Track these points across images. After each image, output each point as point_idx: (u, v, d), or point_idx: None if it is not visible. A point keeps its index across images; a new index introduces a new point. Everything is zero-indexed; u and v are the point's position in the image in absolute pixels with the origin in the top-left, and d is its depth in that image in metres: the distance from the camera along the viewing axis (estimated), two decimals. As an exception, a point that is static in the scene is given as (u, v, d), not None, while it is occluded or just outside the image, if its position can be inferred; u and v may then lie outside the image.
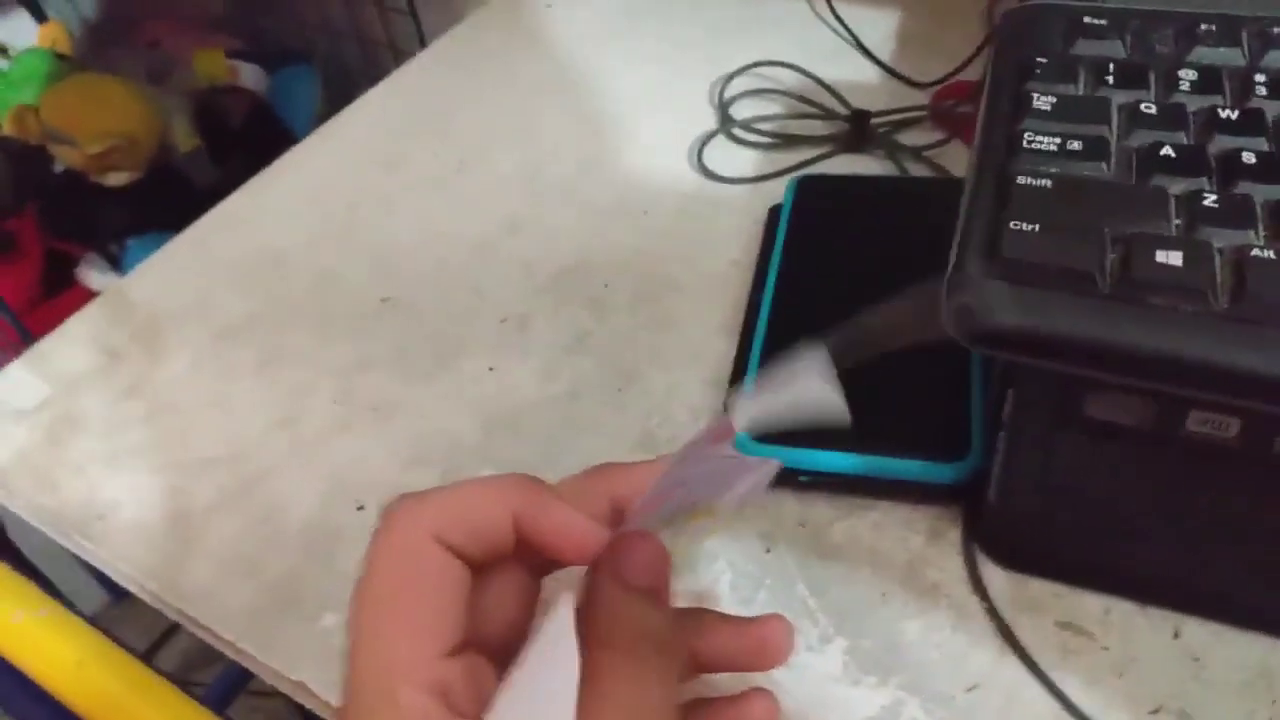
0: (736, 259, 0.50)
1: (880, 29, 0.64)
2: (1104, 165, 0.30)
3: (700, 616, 0.28)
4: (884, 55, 0.61)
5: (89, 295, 0.55)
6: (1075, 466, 0.32)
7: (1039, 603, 0.35)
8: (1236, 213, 0.28)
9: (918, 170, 0.53)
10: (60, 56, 0.95)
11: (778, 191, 0.51)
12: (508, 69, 0.66)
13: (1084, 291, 0.27)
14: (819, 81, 0.59)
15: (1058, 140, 0.31)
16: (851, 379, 0.40)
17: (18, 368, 0.50)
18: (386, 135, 0.62)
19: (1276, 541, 0.31)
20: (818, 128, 0.57)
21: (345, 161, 0.61)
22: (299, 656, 0.37)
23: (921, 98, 0.57)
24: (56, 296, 0.96)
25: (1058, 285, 0.27)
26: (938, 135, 0.54)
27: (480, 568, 0.25)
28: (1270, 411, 0.27)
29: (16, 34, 0.98)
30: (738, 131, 0.58)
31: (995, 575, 0.36)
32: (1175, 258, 0.27)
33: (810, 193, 0.49)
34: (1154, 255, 0.27)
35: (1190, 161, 0.30)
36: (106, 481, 0.44)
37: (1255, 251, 0.27)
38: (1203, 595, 0.34)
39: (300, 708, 0.37)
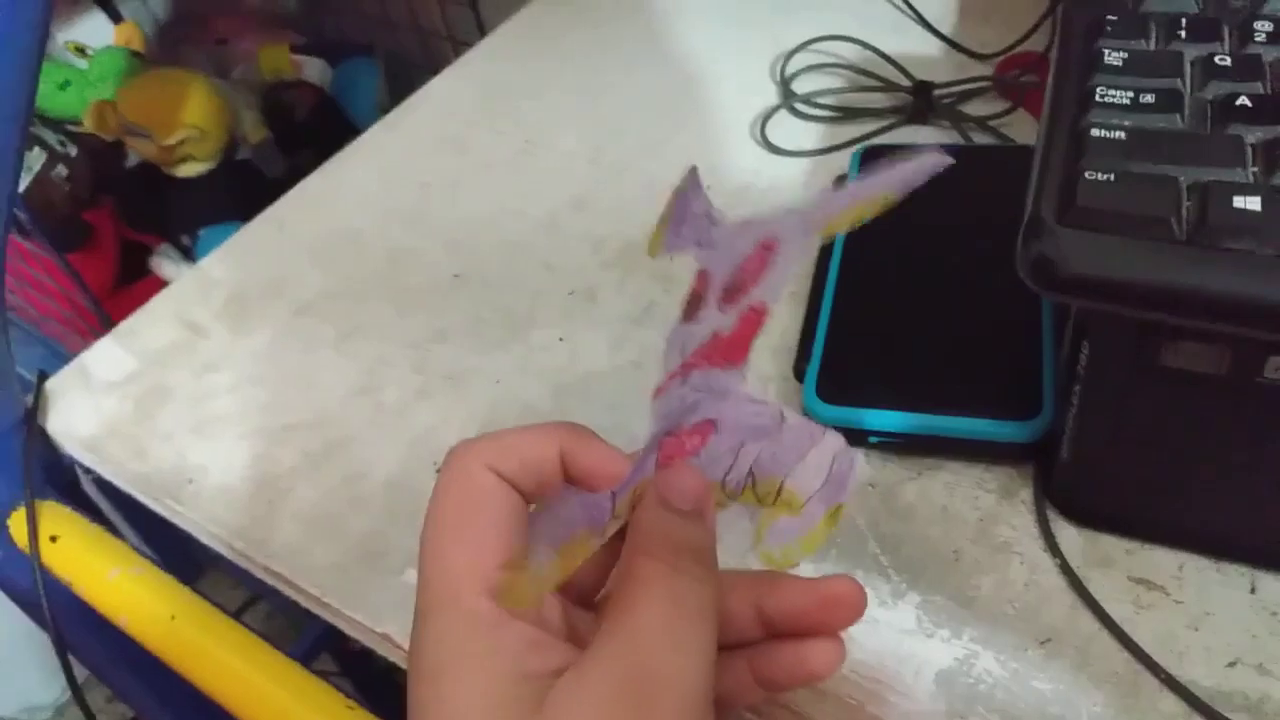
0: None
1: (941, 1, 0.64)
2: (1178, 117, 0.31)
3: (769, 578, 0.28)
4: (945, 27, 0.61)
5: (163, 284, 0.57)
6: (1150, 419, 0.32)
7: (1111, 559, 0.35)
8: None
9: (983, 140, 0.53)
10: (135, 54, 0.98)
11: (842, 164, 0.52)
12: (568, 53, 0.68)
13: (1160, 238, 0.27)
14: (881, 54, 0.60)
15: (1131, 94, 0.31)
16: (922, 337, 0.41)
17: (107, 343, 0.52)
18: (452, 120, 0.64)
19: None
20: (881, 100, 0.57)
21: (414, 146, 0.62)
22: (383, 609, 0.38)
23: (984, 69, 0.57)
24: (132, 285, 0.99)
25: (1134, 233, 0.28)
26: (1002, 105, 0.54)
27: (532, 497, 0.27)
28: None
29: (94, 34, 1.01)
30: (800, 106, 0.58)
31: (1067, 532, 0.36)
32: (1253, 203, 0.27)
33: (876, 163, 0.50)
34: (1231, 201, 0.27)
35: (1266, 110, 0.30)
36: (194, 448, 0.46)
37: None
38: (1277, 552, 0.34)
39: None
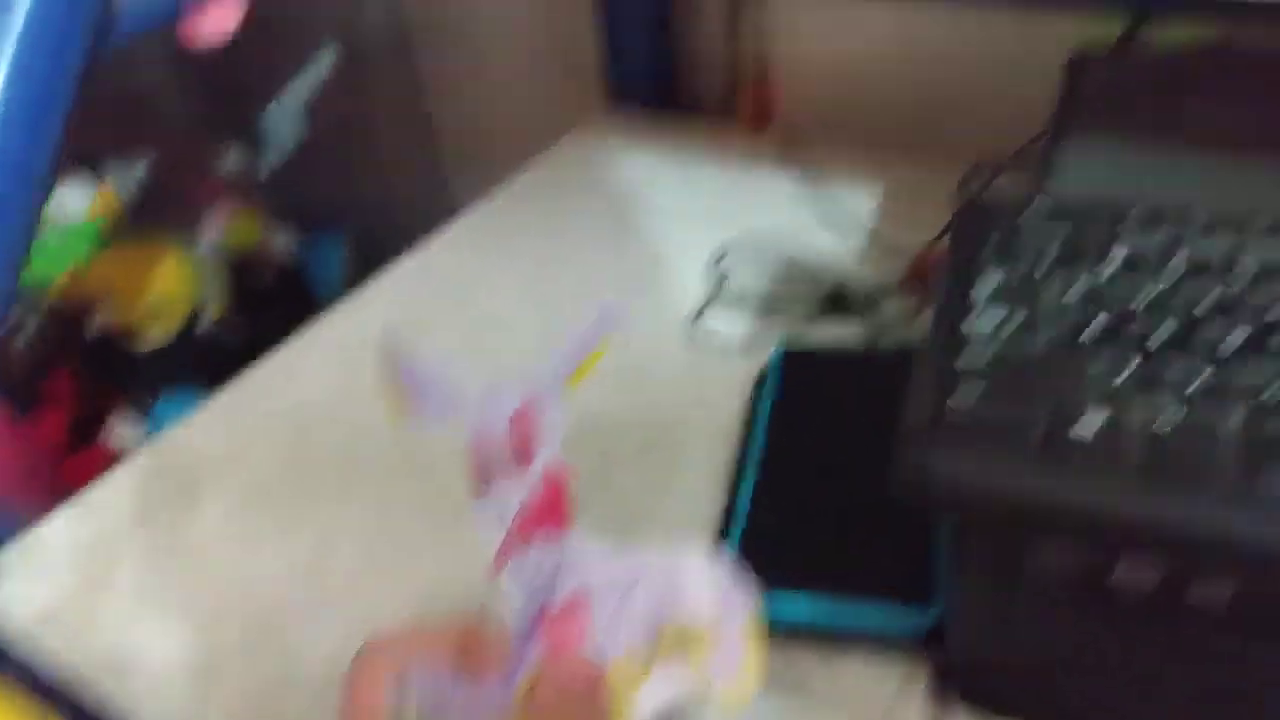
0: (729, 420, 0.54)
1: (863, 203, 0.70)
2: (1041, 338, 0.35)
3: None
4: (865, 228, 0.67)
5: (118, 451, 0.59)
6: (1023, 616, 0.35)
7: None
8: (1152, 383, 0.32)
9: (895, 337, 0.58)
10: (108, 220, 1.02)
11: (767, 357, 0.56)
12: (523, 243, 0.73)
13: (1020, 452, 0.31)
14: (804, 255, 0.65)
15: (1001, 315, 0.35)
16: (832, 526, 0.44)
17: (55, 518, 0.54)
18: (413, 304, 0.68)
19: (1194, 690, 0.34)
20: (804, 297, 0.62)
21: (373, 328, 0.66)
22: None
23: (898, 269, 0.63)
24: (86, 449, 1.00)
25: (997, 447, 0.31)
26: (913, 304, 0.59)
27: (433, 694, 0.29)
28: (1185, 560, 0.30)
29: (72, 195, 1.05)
30: (730, 300, 0.63)
31: (963, 715, 0.39)
32: (1098, 422, 0.31)
33: (794, 360, 0.54)
34: (1079, 420, 0.31)
35: (1114, 336, 0.34)
36: (135, 631, 0.47)
37: (1167, 419, 0.31)
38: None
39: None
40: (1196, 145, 0.51)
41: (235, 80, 1.21)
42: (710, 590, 0.29)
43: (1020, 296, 0.36)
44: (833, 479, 0.46)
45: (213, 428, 0.59)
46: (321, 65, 1.14)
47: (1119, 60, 0.64)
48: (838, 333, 0.59)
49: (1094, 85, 0.59)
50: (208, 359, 0.94)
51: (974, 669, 0.38)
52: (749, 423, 0.52)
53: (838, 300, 0.60)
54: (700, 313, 0.62)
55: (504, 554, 0.28)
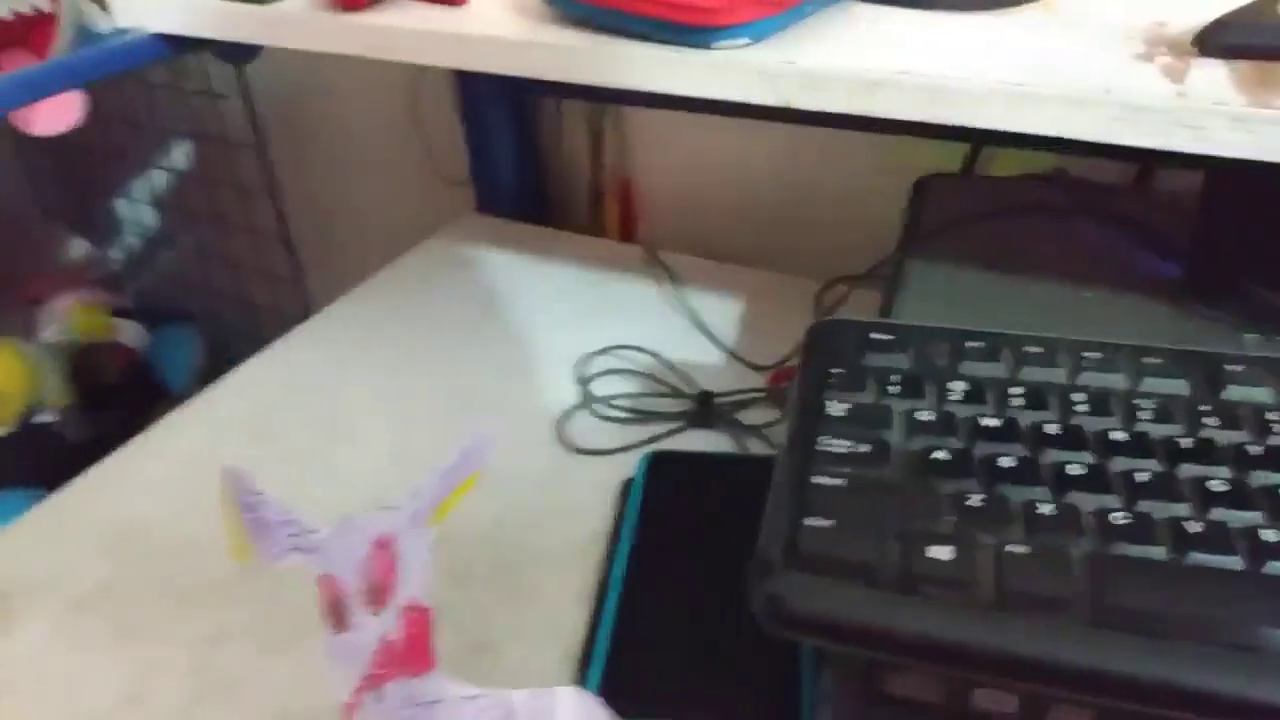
0: (595, 529, 0.53)
1: (726, 313, 0.71)
2: (888, 467, 0.35)
3: None
4: (728, 339, 0.68)
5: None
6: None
7: None
8: (998, 512, 0.33)
9: (758, 446, 0.58)
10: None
11: (632, 464, 0.55)
12: (382, 344, 0.71)
13: (870, 582, 0.31)
14: (669, 364, 0.66)
15: (848, 444, 0.36)
16: (695, 655, 0.43)
17: None
18: (261, 407, 0.65)
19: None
20: (669, 405, 0.62)
21: (218, 432, 0.63)
22: None
23: (760, 379, 0.64)
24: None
25: (848, 576, 0.31)
26: (774, 414, 0.60)
27: None
28: (1042, 688, 0.31)
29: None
30: (596, 407, 0.62)
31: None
32: (946, 552, 0.32)
33: (660, 468, 0.54)
34: (927, 550, 0.32)
35: (959, 465, 0.35)
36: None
37: (1014, 547, 0.32)
38: None
39: None
40: (1033, 270, 0.54)
41: (82, 171, 1.17)
42: None
43: (867, 426, 0.37)
44: (699, 600, 0.46)
45: (36, 538, 0.55)
46: (174, 159, 1.11)
47: (961, 184, 0.68)
48: (704, 441, 0.59)
49: (938, 208, 0.62)
50: (47, 455, 0.88)
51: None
52: (615, 534, 0.51)
53: (704, 409, 0.60)
54: (565, 420, 0.62)
55: (359, 696, 0.27)
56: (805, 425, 0.37)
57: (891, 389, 0.39)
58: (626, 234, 0.89)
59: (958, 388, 0.39)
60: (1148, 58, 0.42)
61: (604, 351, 0.67)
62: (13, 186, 1.18)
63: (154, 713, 0.44)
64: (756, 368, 0.65)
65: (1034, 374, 0.39)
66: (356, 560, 0.27)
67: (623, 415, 0.62)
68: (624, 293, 0.75)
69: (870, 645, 0.31)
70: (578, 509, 0.55)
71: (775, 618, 0.31)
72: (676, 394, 0.63)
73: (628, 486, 0.54)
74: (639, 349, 0.67)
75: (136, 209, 1.17)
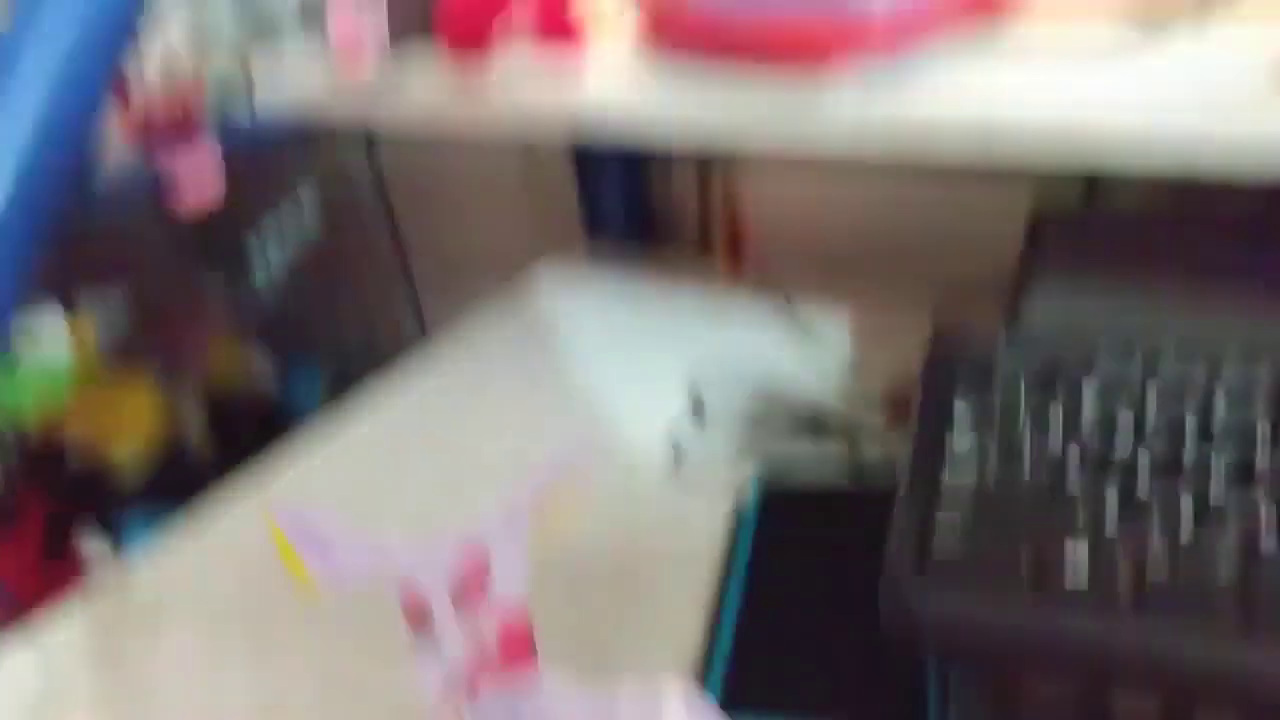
0: (707, 552, 0.53)
1: (836, 338, 0.71)
2: (1020, 470, 0.35)
3: None
4: (841, 360, 0.68)
5: (85, 566, 0.57)
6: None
7: None
8: (1135, 514, 0.32)
9: (875, 462, 0.57)
10: (84, 358, 1.02)
11: (746, 482, 0.55)
12: (498, 369, 0.73)
13: (1008, 592, 0.30)
14: (781, 380, 0.65)
15: (978, 448, 0.35)
16: (808, 672, 0.43)
17: (16, 651, 0.51)
18: (386, 432, 0.67)
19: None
20: (781, 420, 0.62)
21: (348, 464, 0.65)
22: None
23: (874, 398, 0.63)
24: (53, 563, 0.97)
25: (985, 588, 0.31)
26: (893, 432, 0.59)
27: None
28: (1184, 696, 0.29)
29: (49, 334, 1.05)
30: (709, 423, 0.62)
31: None
32: (1082, 554, 0.31)
33: (773, 496, 0.54)
34: (1064, 553, 0.31)
35: (1097, 472, 0.34)
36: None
37: (1153, 548, 0.30)
38: None
39: None
40: (1153, 301, 0.52)
41: (216, 215, 1.24)
42: None
43: (996, 435, 0.36)
44: (818, 615, 0.45)
45: (178, 556, 0.57)
46: (304, 203, 1.16)
47: (1079, 220, 0.66)
48: (817, 455, 0.58)
49: (1056, 242, 0.60)
50: (184, 491, 0.93)
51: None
52: (729, 555, 0.51)
53: (816, 425, 0.60)
54: (677, 439, 0.62)
55: (454, 700, 0.27)
56: (931, 439, 0.37)
57: (1020, 399, 0.38)
58: (731, 264, 0.89)
59: (1090, 390, 0.37)
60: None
61: (715, 369, 0.67)
62: (151, 226, 1.26)
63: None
64: (869, 393, 0.64)
65: (1172, 371, 0.38)
66: (441, 566, 0.27)
67: (735, 433, 0.62)
68: (735, 317, 0.76)
69: (1008, 657, 0.30)
70: (690, 530, 0.54)
71: (909, 632, 0.31)
72: (790, 410, 0.62)
73: (741, 512, 0.54)
74: (750, 366, 0.67)
75: (269, 248, 1.23)
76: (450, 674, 0.27)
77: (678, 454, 0.61)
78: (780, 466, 0.58)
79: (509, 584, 0.27)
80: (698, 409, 0.64)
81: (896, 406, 0.61)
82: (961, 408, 0.37)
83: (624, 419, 0.65)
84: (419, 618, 0.27)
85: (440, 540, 0.27)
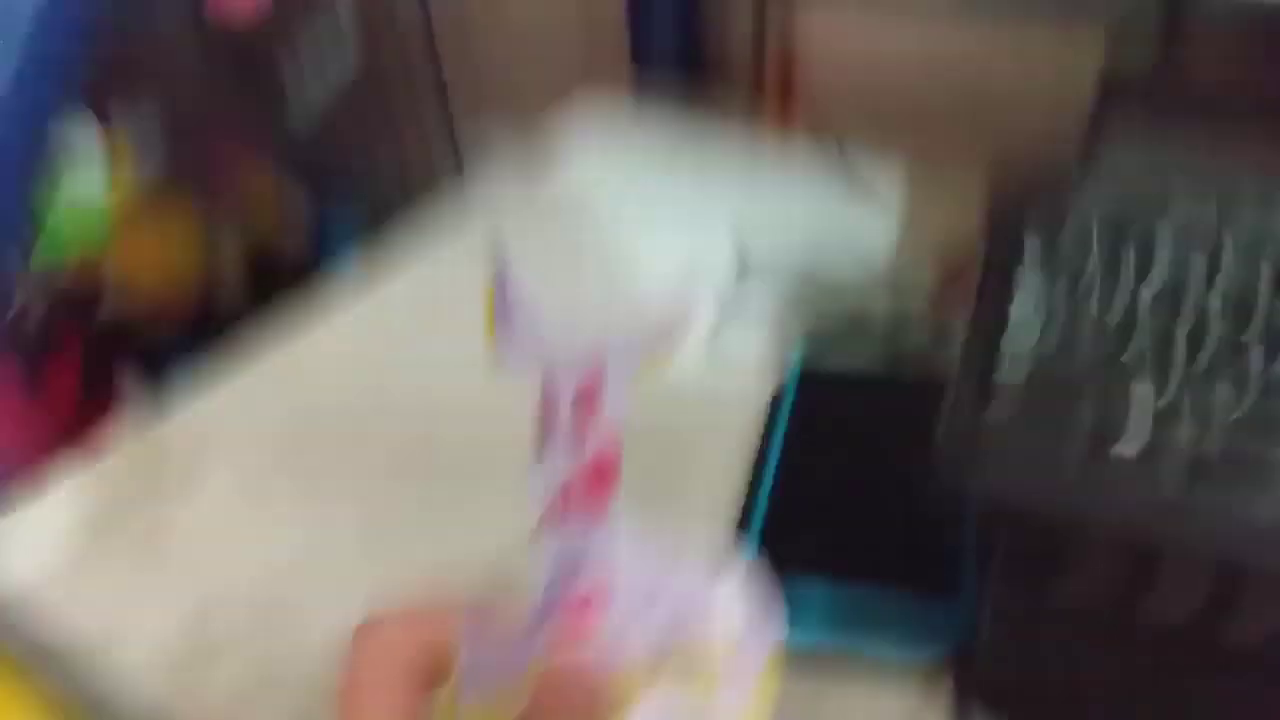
0: (743, 428, 0.52)
1: (894, 186, 0.68)
2: (1080, 351, 0.33)
3: None
4: (892, 254, 0.65)
5: (125, 421, 0.58)
6: (1050, 637, 0.33)
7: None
8: (1202, 371, 0.30)
9: (915, 359, 0.55)
10: (122, 198, 1.01)
11: (784, 371, 0.54)
12: (535, 221, 0.71)
13: (1060, 466, 0.29)
14: (826, 267, 0.63)
15: (1040, 328, 0.34)
16: (841, 530, 0.42)
17: (53, 492, 0.53)
18: (432, 289, 0.66)
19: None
20: (824, 312, 0.59)
21: (390, 315, 0.64)
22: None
23: (928, 261, 0.60)
24: (94, 419, 0.99)
25: (1037, 460, 0.30)
26: (935, 332, 0.57)
27: (431, 671, 0.28)
28: (1224, 588, 0.28)
29: (86, 176, 1.04)
30: (750, 307, 0.60)
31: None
32: (1142, 438, 0.29)
33: (811, 380, 0.53)
34: (1123, 435, 0.29)
35: (1163, 314, 0.32)
36: (130, 606, 0.46)
37: (1215, 438, 0.29)
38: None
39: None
40: (1228, 157, 0.48)
41: (254, 40, 1.20)
42: (736, 620, 0.27)
43: (1060, 309, 0.34)
44: (851, 486, 0.45)
45: (215, 408, 0.58)
46: (344, 31, 1.12)
47: (1153, 77, 0.62)
48: (858, 342, 0.57)
49: (1130, 98, 0.56)
50: (220, 329, 0.93)
51: (991, 689, 0.36)
52: (766, 432, 0.50)
53: (859, 318, 0.58)
54: (717, 323, 0.60)
55: (544, 524, 0.27)
56: (991, 309, 0.35)
57: (1094, 231, 0.36)
58: (783, 109, 0.85)
59: (1166, 231, 0.35)
60: None
61: (760, 252, 0.64)
62: (190, 58, 1.23)
63: (332, 567, 0.47)
64: (920, 285, 0.61)
65: (1249, 217, 0.35)
66: (570, 388, 0.27)
67: (775, 323, 0.59)
68: (784, 171, 0.72)
69: (1054, 531, 0.29)
70: (727, 409, 0.53)
71: (956, 499, 0.30)
72: (833, 303, 0.60)
73: (779, 394, 0.53)
74: (796, 250, 0.64)
75: (302, 80, 1.19)
76: (550, 485, 0.27)
77: (717, 338, 0.59)
78: (821, 349, 0.56)
79: (613, 411, 0.27)
80: (742, 271, 0.62)
81: (950, 274, 0.59)
82: (1032, 245, 0.36)
83: (658, 275, 0.63)
84: (549, 416, 0.27)
85: (579, 360, 0.26)
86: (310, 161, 1.22)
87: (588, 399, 0.27)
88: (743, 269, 0.62)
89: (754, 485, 0.46)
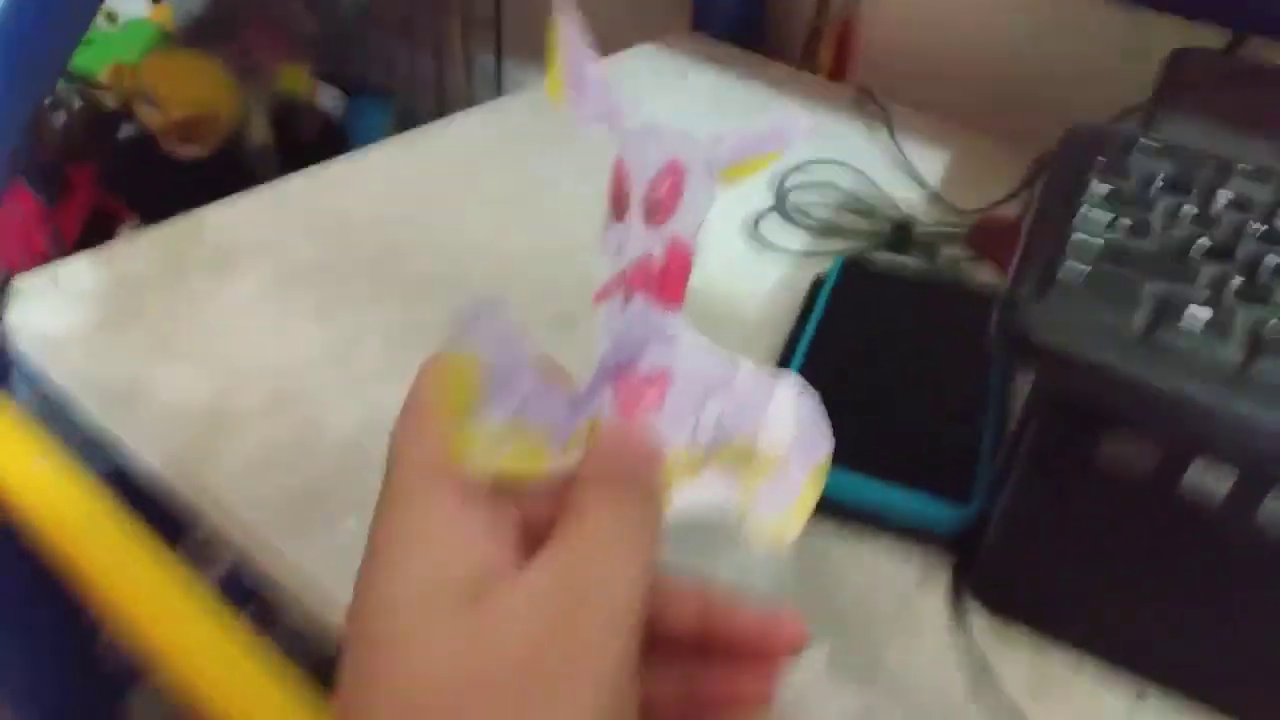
0: (778, 315, 0.53)
1: (934, 160, 0.69)
2: (1148, 246, 0.34)
3: (719, 595, 0.28)
4: (933, 178, 0.67)
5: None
6: (1078, 515, 0.35)
7: (1017, 647, 0.37)
8: (1259, 294, 0.32)
9: (951, 271, 0.57)
10: (165, 33, 1.01)
11: (823, 266, 0.55)
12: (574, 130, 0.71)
13: (1123, 328, 0.31)
14: (871, 187, 0.64)
15: (1111, 216, 0.35)
16: (875, 420, 0.43)
17: (84, 257, 0.52)
18: (468, 152, 0.67)
19: (1246, 620, 0.34)
20: (864, 224, 0.61)
21: (426, 164, 0.65)
22: (313, 560, 0.38)
23: (959, 221, 0.62)
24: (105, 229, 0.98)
25: (1101, 319, 0.31)
26: (971, 253, 0.59)
27: None
28: (1263, 469, 0.30)
29: (126, 5, 1.03)
30: (792, 213, 0.62)
31: (980, 615, 0.38)
32: (1204, 316, 0.31)
33: (854, 272, 0.53)
34: (1185, 311, 0.31)
35: (1223, 252, 0.34)
36: (148, 371, 0.46)
37: (1275, 326, 0.31)
38: (1169, 666, 0.36)
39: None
40: None
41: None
42: (791, 422, 0.28)
43: (1128, 208, 0.36)
44: (879, 376, 0.46)
45: (254, 212, 0.58)
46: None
47: (1221, 60, 0.64)
48: (897, 261, 0.58)
49: (1196, 76, 0.59)
50: (236, 188, 0.93)
51: (1005, 570, 0.38)
52: (802, 318, 0.51)
53: (900, 236, 0.60)
54: (759, 221, 0.61)
55: (612, 286, 0.27)
56: (1060, 204, 0.36)
57: (1157, 184, 0.37)
58: (838, 76, 0.87)
59: (1225, 196, 0.37)
60: None
61: (806, 165, 0.66)
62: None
63: (357, 367, 0.47)
64: (960, 212, 0.63)
65: None
66: (647, 167, 0.27)
67: (816, 225, 0.61)
68: (832, 125, 0.74)
69: (1107, 390, 0.30)
70: (764, 294, 0.55)
71: (1019, 343, 0.31)
72: (876, 216, 0.62)
73: (819, 282, 0.54)
74: (844, 164, 0.66)
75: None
76: (619, 268, 0.27)
77: (757, 237, 0.60)
78: (864, 249, 0.58)
79: (692, 214, 0.27)
80: (780, 202, 0.63)
81: (987, 232, 0.60)
82: (1096, 183, 0.37)
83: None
84: (619, 201, 0.27)
85: (656, 143, 0.27)
86: (345, 56, 1.22)
87: (665, 196, 0.27)
88: (782, 199, 0.64)
89: (783, 365, 0.47)
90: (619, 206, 0.27)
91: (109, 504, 0.42)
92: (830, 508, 0.41)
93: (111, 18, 1.01)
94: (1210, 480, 0.31)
